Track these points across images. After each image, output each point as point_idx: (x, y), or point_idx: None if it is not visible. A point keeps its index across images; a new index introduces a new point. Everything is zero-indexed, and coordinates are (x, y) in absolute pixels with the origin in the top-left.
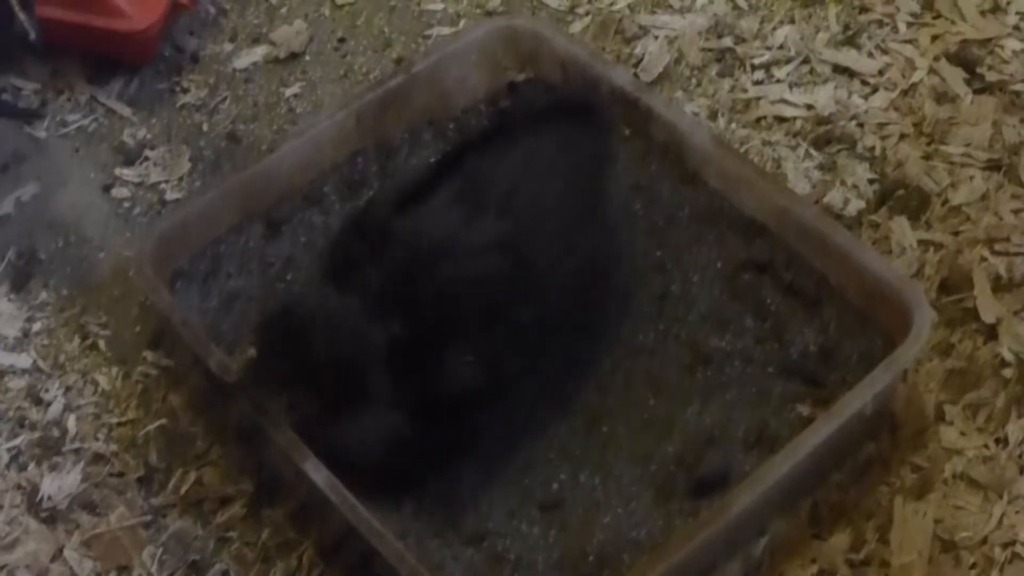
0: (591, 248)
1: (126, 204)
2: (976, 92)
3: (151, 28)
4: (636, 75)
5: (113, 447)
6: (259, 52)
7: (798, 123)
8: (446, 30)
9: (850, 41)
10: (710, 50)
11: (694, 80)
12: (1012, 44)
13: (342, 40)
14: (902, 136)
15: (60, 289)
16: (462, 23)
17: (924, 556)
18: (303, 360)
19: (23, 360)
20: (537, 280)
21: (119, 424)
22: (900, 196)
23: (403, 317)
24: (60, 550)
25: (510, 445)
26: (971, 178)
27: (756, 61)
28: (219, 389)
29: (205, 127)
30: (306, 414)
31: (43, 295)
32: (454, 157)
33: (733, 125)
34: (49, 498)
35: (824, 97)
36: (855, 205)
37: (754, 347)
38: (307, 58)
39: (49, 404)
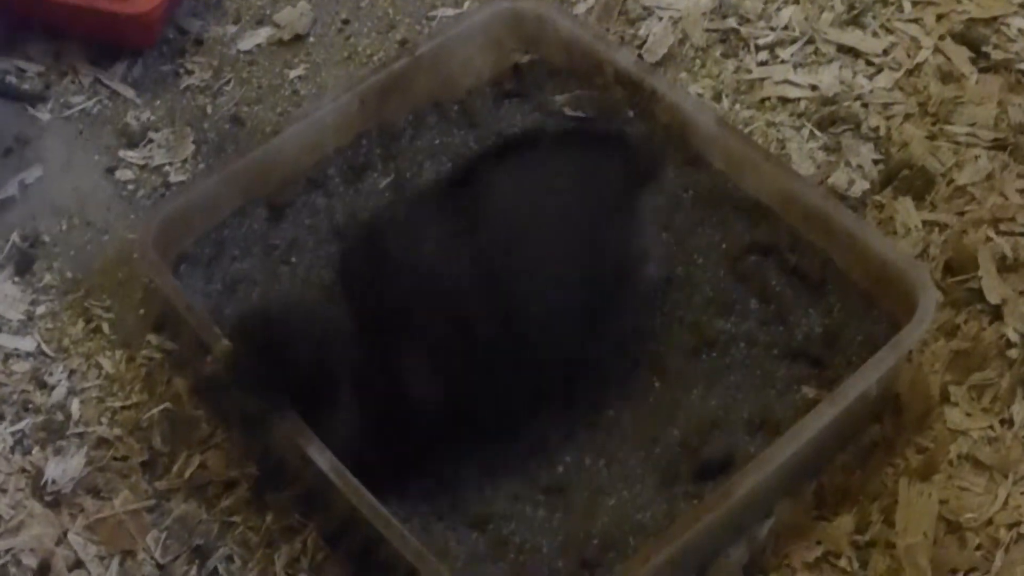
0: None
1: (130, 187)
2: (982, 71)
3: (155, 10)
4: (640, 56)
5: (117, 431)
6: (263, 34)
7: (802, 104)
8: (450, 11)
9: (855, 21)
10: (714, 31)
11: (698, 61)
12: (1018, 22)
13: (346, 22)
14: (907, 116)
15: (64, 272)
16: (466, 5)
17: (929, 537)
18: (276, 364)
19: (27, 343)
20: (518, 316)
21: (123, 408)
22: (905, 177)
23: (377, 334)
24: (64, 534)
25: (514, 429)
26: (976, 158)
27: (760, 42)
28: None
29: (209, 109)
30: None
31: (47, 278)
32: (467, 170)
33: (737, 106)
34: (53, 482)
35: (829, 77)
36: (860, 186)
37: (758, 329)
38: (311, 40)
39: (53, 388)
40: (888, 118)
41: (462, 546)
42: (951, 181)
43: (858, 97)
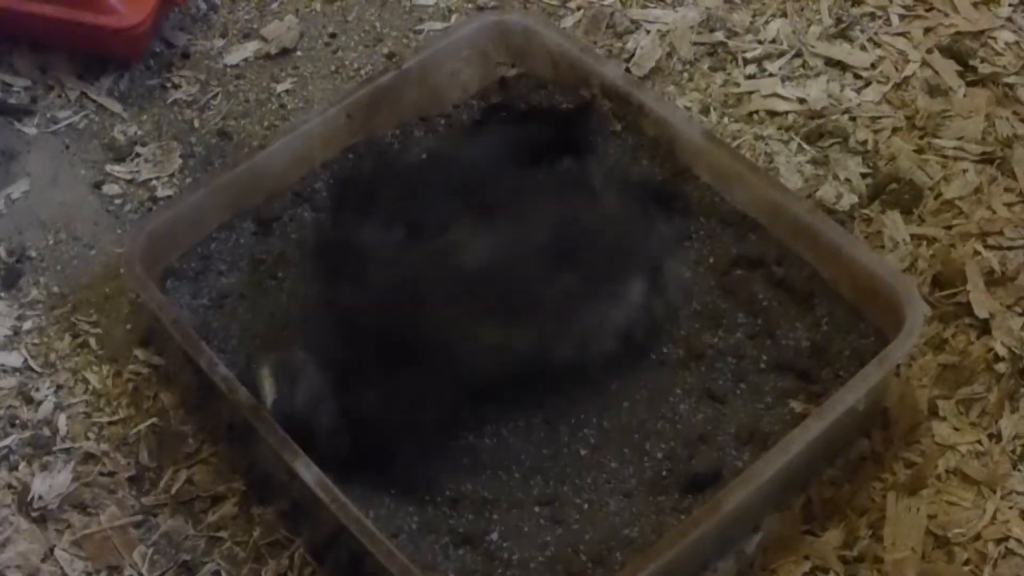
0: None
1: (117, 201)
2: (969, 85)
3: (141, 24)
4: (628, 70)
5: (104, 446)
6: (250, 48)
7: (790, 117)
8: (437, 25)
9: (842, 34)
10: (702, 44)
11: (686, 75)
12: (1005, 36)
13: (333, 35)
14: (895, 130)
15: (51, 287)
16: (453, 18)
17: (917, 552)
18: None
19: (14, 359)
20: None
21: (110, 423)
22: (893, 190)
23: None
24: (51, 550)
25: (504, 444)
26: (964, 172)
27: (748, 55)
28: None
29: (196, 123)
30: None
31: (34, 293)
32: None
33: (725, 120)
34: (40, 498)
35: (816, 91)
36: (848, 199)
37: (746, 343)
38: (298, 54)
39: (40, 403)
40: (876, 132)
41: (450, 561)
42: (939, 195)
43: (846, 111)
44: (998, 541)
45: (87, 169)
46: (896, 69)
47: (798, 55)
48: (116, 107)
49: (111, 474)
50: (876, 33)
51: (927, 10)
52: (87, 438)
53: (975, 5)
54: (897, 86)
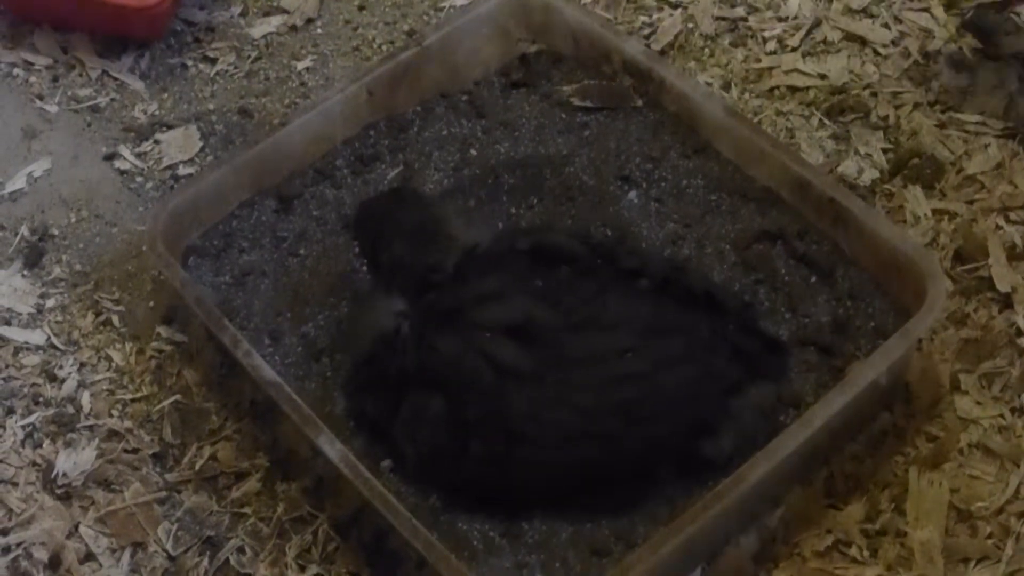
0: None
1: (138, 179)
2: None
3: (162, 3)
4: (648, 46)
5: (128, 423)
6: (270, 24)
7: (811, 93)
8: (458, 1)
9: (864, 10)
10: (723, 20)
11: (707, 50)
12: None
13: (356, 10)
14: (916, 105)
15: (73, 265)
16: None
17: (940, 526)
18: None
19: (37, 336)
20: None
21: (133, 400)
22: (915, 165)
23: None
24: (76, 527)
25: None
26: (986, 147)
27: (769, 31)
28: None
29: (217, 101)
30: None
31: (56, 271)
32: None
33: (746, 95)
34: (64, 475)
35: (838, 66)
36: (869, 174)
37: (768, 318)
38: (319, 31)
39: (63, 381)
40: (897, 107)
41: (477, 533)
42: (961, 170)
43: (867, 86)
44: (1021, 515)
45: (108, 147)
46: (918, 44)
47: (819, 30)
48: (137, 85)
49: (135, 451)
50: (898, 9)
51: None
52: (111, 415)
53: None
54: (918, 62)
